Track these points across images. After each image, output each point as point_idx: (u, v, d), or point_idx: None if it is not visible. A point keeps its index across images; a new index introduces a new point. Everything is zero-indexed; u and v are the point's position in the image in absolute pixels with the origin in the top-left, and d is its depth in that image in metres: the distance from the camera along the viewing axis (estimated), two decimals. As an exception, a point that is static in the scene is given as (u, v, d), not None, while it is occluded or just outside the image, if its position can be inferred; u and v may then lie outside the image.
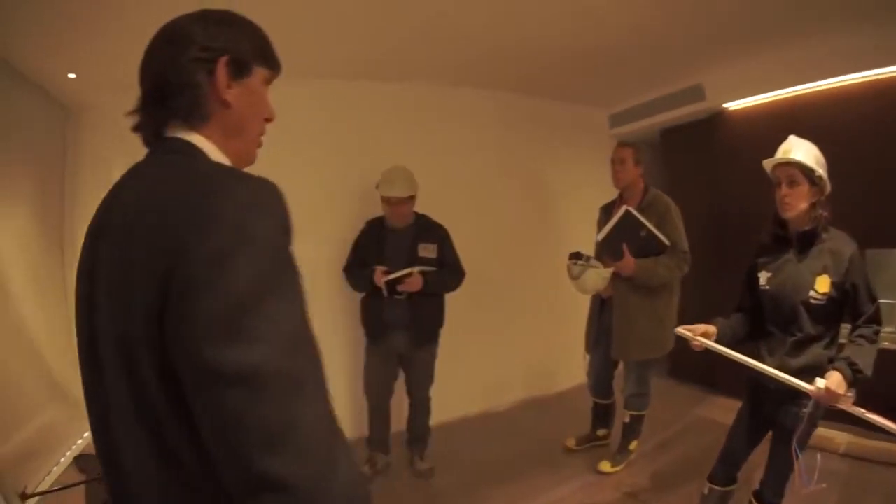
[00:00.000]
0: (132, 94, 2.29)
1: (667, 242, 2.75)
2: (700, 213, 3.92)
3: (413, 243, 3.03)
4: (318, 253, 3.25)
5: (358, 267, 3.08)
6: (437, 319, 3.15)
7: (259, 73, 0.86)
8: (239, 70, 0.82)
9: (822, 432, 2.70)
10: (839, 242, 1.81)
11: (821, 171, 1.79)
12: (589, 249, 3.12)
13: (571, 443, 3.26)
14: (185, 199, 0.65)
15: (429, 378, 3.20)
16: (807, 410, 1.68)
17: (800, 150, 1.81)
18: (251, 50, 0.85)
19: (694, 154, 4.19)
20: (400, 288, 2.90)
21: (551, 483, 2.89)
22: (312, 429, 0.62)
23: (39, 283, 3.37)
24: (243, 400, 0.58)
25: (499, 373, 4.11)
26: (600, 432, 3.25)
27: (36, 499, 2.32)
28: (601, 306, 3.06)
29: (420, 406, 3.23)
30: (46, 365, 3.31)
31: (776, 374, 1.72)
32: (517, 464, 3.12)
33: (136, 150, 2.57)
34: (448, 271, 3.07)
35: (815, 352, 1.80)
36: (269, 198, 0.69)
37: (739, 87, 3.69)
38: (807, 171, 1.78)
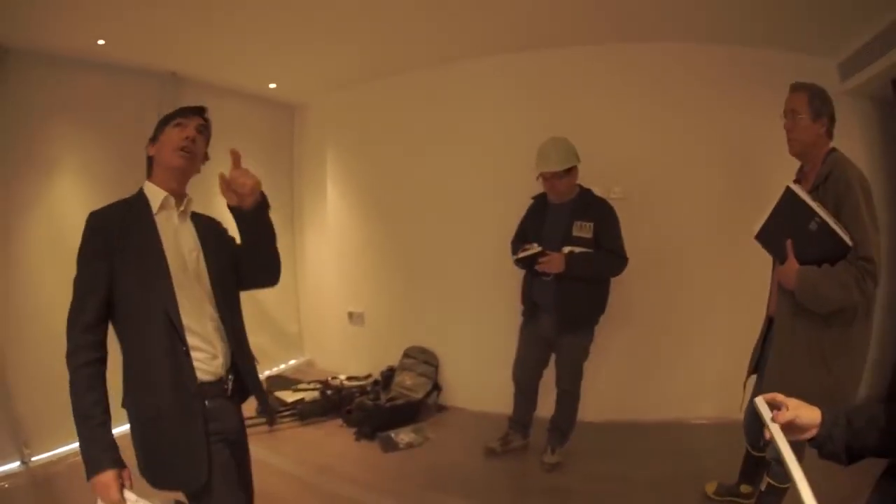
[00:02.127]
0: (336, 95, 3.86)
1: (849, 242, 1.72)
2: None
3: (570, 221, 2.75)
4: (498, 228, 3.19)
5: (518, 242, 2.96)
6: (587, 307, 2.80)
7: (165, 131, 1.52)
8: (153, 139, 1.54)
9: None
10: None
11: None
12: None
13: (711, 489, 2.41)
14: None
15: (574, 369, 2.88)
16: None
17: None
18: (159, 126, 1.54)
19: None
20: (537, 268, 2.72)
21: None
22: (71, 320, 1.35)
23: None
24: None
25: (684, 382, 3.32)
26: (744, 488, 2.29)
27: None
28: (769, 325, 2.11)
29: (563, 398, 2.93)
30: (267, 310, 4.28)
31: None
32: (644, 490, 2.53)
33: (347, 142, 4.64)
34: (602, 254, 2.70)
35: None
36: (88, 219, 1.42)
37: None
38: None
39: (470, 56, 3.50)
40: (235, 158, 1.48)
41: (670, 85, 3.26)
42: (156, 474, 1.39)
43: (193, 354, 1.41)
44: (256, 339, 3.92)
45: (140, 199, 1.49)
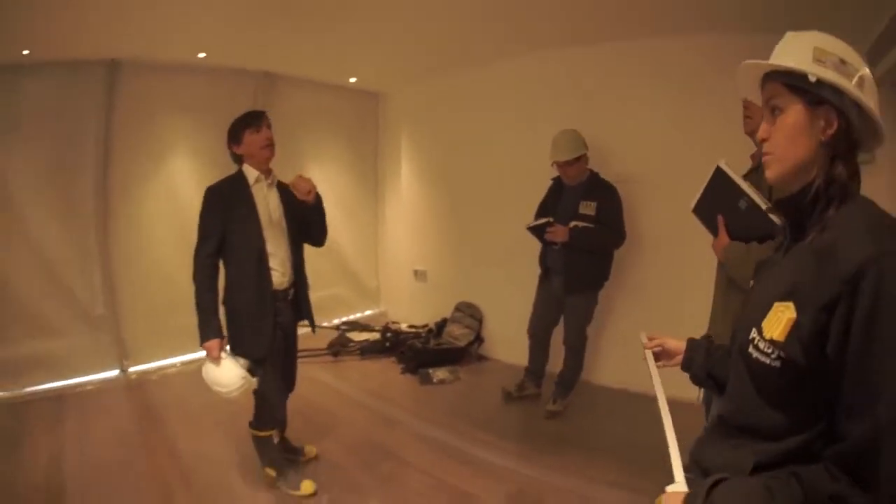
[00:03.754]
0: (408, 86, 4.90)
1: (778, 222, 1.69)
2: None
3: (578, 200, 3.18)
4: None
5: (539, 216, 3.42)
6: (590, 272, 3.20)
7: (245, 134, 2.25)
8: (236, 141, 2.27)
9: None
10: (846, 234, 0.78)
11: (830, 75, 0.84)
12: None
13: None
14: None
15: (578, 328, 3.29)
16: None
17: (790, 47, 0.91)
18: (238, 132, 2.26)
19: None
20: (545, 237, 3.17)
21: (629, 481, 2.47)
22: (197, 252, 2.20)
23: (354, 219, 5.18)
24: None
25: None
26: None
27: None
28: None
29: (568, 352, 3.34)
30: (350, 267, 5.15)
31: (672, 454, 0.99)
32: (627, 449, 2.78)
33: (417, 125, 5.44)
34: (602, 229, 3.10)
35: (740, 456, 0.85)
36: (207, 190, 2.23)
37: None
38: (794, 83, 0.87)
39: (523, 51, 3.83)
40: (301, 185, 2.35)
41: (700, 75, 3.23)
42: (237, 346, 2.25)
43: (272, 272, 2.29)
44: (339, 290, 4.95)
45: (240, 176, 2.30)
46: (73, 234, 3.64)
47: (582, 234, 3.08)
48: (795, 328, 0.78)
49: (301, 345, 4.12)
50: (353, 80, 4.74)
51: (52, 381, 3.55)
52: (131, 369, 3.88)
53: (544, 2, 2.97)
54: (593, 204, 3.11)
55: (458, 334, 4.34)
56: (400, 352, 4.17)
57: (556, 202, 3.30)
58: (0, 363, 3.38)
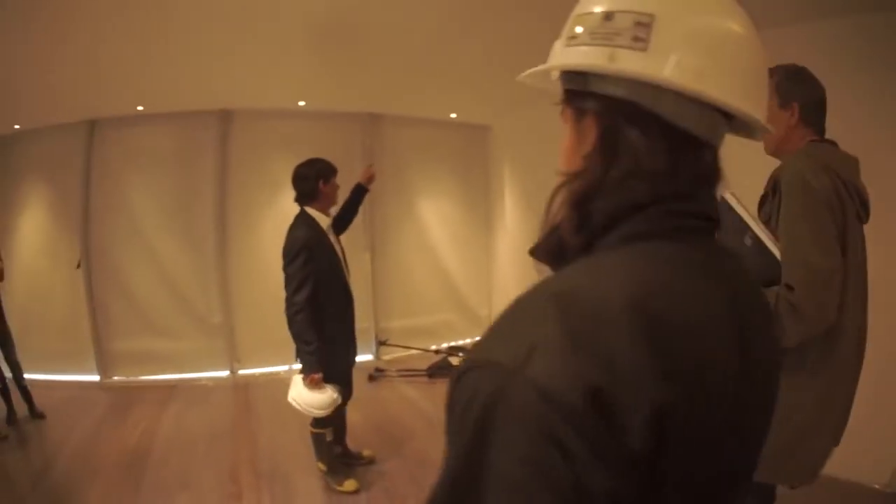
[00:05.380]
0: (504, 116, 5.07)
1: (778, 257, 1.42)
2: None
3: None
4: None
5: None
6: None
7: (331, 180, 2.63)
8: (326, 180, 2.61)
9: None
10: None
11: (573, 56, 0.54)
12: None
13: None
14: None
15: None
16: None
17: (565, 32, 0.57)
18: (330, 174, 2.65)
19: None
20: None
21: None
22: (297, 293, 2.44)
23: (466, 249, 5.45)
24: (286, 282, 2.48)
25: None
26: None
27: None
28: None
29: None
30: (461, 295, 5.41)
31: None
32: None
33: (518, 153, 5.65)
34: None
35: None
36: (300, 227, 2.53)
37: None
38: (567, 86, 0.58)
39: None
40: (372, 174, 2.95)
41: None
42: (329, 371, 2.50)
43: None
44: (448, 316, 5.29)
45: (314, 223, 2.60)
46: (195, 257, 4.48)
47: None
48: None
49: (402, 365, 4.54)
50: (453, 115, 5.10)
51: (165, 374, 4.32)
52: (240, 371, 4.56)
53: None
54: None
55: (552, 364, 4.21)
56: (491, 378, 4.20)
57: None
58: (120, 353, 4.29)
